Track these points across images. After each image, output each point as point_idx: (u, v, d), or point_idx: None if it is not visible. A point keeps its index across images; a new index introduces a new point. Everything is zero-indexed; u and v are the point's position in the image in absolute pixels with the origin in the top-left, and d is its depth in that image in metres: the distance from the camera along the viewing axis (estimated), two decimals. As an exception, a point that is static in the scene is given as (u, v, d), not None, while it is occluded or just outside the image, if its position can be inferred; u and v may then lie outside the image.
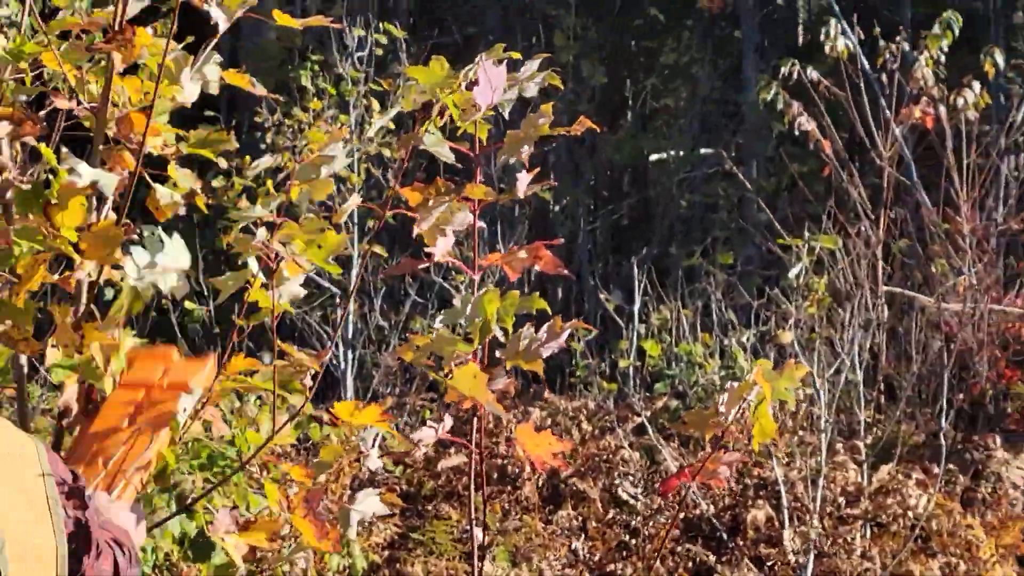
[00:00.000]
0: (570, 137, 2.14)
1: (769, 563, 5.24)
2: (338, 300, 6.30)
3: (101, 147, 1.87)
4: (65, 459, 1.60)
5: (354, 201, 2.08)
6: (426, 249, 2.06)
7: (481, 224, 2.12)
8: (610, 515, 5.69)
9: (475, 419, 2.13)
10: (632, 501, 5.73)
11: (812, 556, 5.05)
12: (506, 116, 2.04)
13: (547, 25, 12.16)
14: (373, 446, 2.04)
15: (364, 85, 5.82)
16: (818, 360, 5.36)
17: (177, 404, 1.77)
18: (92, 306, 1.86)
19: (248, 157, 4.81)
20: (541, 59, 1.95)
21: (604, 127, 10.77)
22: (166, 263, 1.79)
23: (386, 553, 5.19)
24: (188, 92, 1.93)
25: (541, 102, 2.10)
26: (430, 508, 5.70)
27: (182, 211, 1.91)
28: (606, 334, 7.23)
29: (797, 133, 6.04)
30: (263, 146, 5.65)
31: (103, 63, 1.88)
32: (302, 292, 1.97)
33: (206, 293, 5.64)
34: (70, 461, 1.66)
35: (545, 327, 2.02)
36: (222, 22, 1.84)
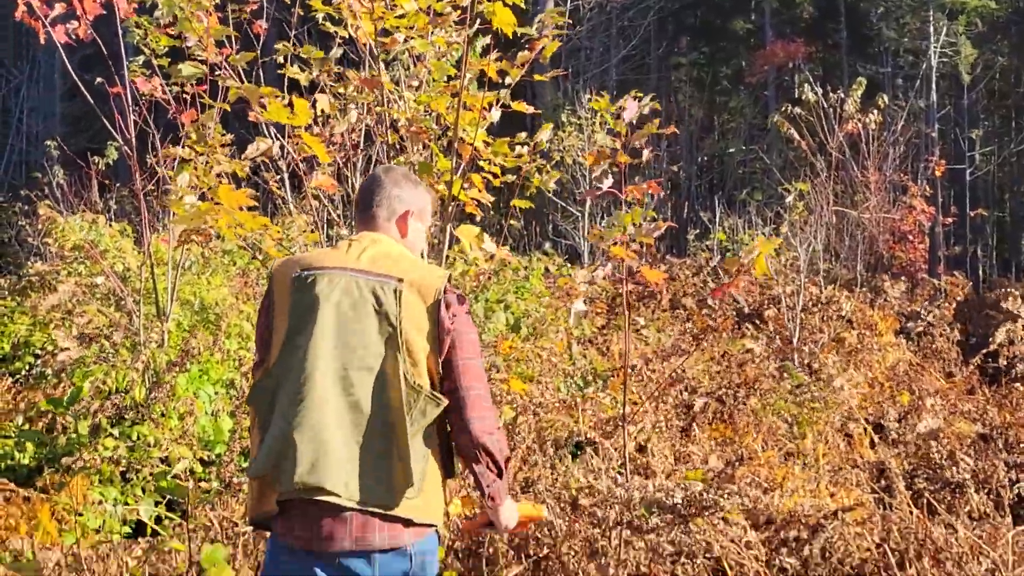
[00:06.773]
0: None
1: (776, 333, 9.16)
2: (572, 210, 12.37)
3: (455, 144, 3.62)
4: None
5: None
6: (596, 184, 3.67)
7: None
8: (702, 312, 10.17)
9: (623, 262, 3.65)
10: (711, 304, 10.24)
11: (798, 328, 8.73)
12: (635, 122, 3.61)
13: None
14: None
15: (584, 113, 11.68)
16: (800, 241, 9.78)
17: None
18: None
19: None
20: (651, 95, 3.85)
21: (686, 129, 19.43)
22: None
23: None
24: (494, 117, 3.77)
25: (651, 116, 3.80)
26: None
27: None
28: (702, 231, 13.09)
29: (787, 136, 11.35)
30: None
31: (454, 107, 3.58)
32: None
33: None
34: None
35: (654, 224, 3.69)
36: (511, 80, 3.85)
